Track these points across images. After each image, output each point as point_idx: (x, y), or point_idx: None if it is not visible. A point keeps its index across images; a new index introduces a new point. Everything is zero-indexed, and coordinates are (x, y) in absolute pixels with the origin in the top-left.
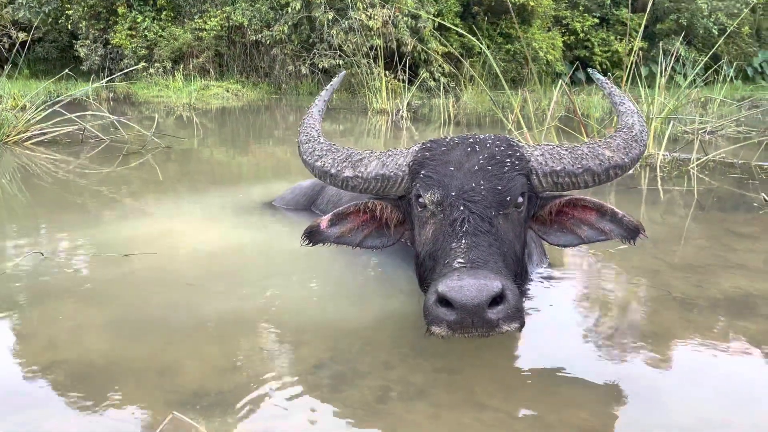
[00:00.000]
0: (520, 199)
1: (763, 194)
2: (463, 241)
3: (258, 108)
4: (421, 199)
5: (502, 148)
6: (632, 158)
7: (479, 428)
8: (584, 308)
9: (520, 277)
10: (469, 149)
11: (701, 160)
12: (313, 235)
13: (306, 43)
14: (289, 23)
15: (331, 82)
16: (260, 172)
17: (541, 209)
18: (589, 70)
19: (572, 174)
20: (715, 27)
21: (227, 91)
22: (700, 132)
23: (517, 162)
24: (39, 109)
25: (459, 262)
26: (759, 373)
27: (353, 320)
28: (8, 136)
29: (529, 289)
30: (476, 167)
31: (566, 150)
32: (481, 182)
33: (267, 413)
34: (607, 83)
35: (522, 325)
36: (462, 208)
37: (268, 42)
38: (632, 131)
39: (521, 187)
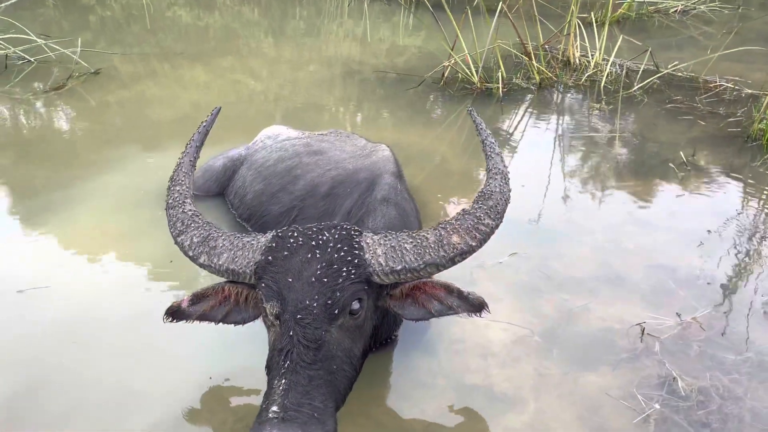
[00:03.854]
0: (356, 306)
1: (681, 155)
2: (283, 381)
3: None
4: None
5: (343, 252)
6: (481, 239)
7: None
8: None
9: (360, 367)
10: (308, 255)
11: (647, 81)
12: (175, 314)
13: None
14: None
15: (203, 122)
16: (194, 119)
17: (394, 288)
18: (469, 109)
19: (414, 270)
20: None
21: None
22: (673, 11)
23: (353, 270)
24: None
25: (273, 411)
26: None
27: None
28: None
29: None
30: (313, 278)
31: (411, 243)
32: (315, 297)
33: None
34: (483, 129)
35: None
36: (291, 333)
37: None
38: (488, 202)
39: (355, 294)
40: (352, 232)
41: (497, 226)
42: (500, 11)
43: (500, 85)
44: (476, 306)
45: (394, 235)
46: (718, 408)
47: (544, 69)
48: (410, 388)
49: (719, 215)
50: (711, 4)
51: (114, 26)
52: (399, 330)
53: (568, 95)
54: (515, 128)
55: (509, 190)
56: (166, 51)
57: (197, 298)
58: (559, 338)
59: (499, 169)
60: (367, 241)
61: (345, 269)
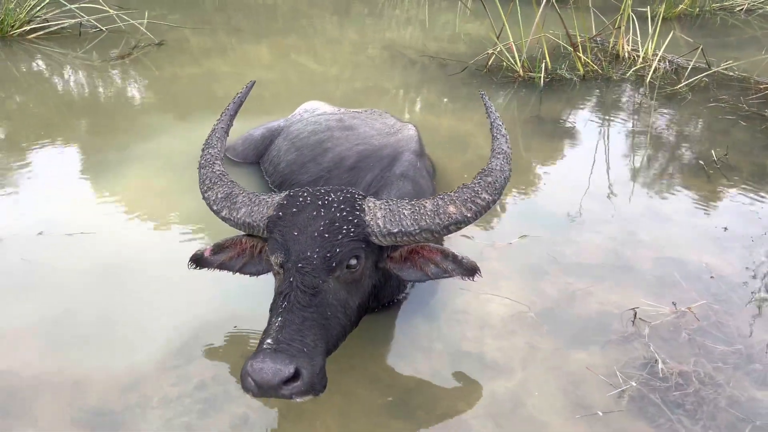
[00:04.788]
0: (354, 261)
1: (714, 154)
2: (279, 318)
3: None
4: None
5: (345, 212)
6: (477, 211)
7: None
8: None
9: (356, 319)
10: (314, 213)
11: (694, 79)
12: (198, 262)
13: None
14: None
15: (238, 93)
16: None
17: (393, 251)
18: (481, 93)
19: (410, 234)
20: None
21: None
22: (739, 9)
23: (353, 228)
24: None
25: (268, 343)
26: None
27: (243, 337)
28: (12, 27)
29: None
30: (316, 233)
31: (409, 210)
32: (317, 249)
33: None
34: (492, 112)
35: (318, 393)
36: (291, 279)
37: None
38: (487, 178)
39: (353, 251)
40: (356, 196)
41: (494, 201)
42: (547, 1)
43: (542, 75)
44: (469, 270)
45: (395, 202)
46: (695, 391)
47: (589, 61)
48: (409, 349)
49: (740, 215)
50: None
51: (189, 1)
52: (402, 294)
53: (612, 88)
54: (552, 117)
55: (509, 170)
56: (234, 27)
57: (218, 248)
58: (556, 317)
59: (503, 149)
60: (369, 204)
61: (345, 227)
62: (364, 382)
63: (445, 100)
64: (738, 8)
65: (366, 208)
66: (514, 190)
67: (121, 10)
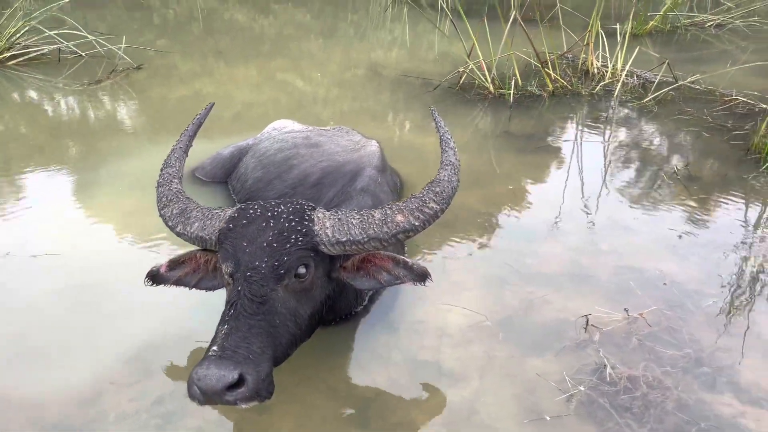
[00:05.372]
0: (303, 270)
1: (675, 165)
2: (226, 326)
3: None
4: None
5: (294, 223)
6: (425, 220)
7: None
8: None
9: (308, 329)
10: (264, 224)
11: (660, 93)
12: (155, 278)
13: None
14: None
15: (197, 115)
16: (245, 117)
17: (346, 261)
18: (431, 108)
19: (358, 242)
20: None
21: None
22: (710, 25)
23: (301, 238)
24: (20, 24)
25: (213, 351)
26: None
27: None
28: None
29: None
30: (264, 243)
31: (358, 219)
32: (265, 259)
33: None
34: (441, 126)
35: (263, 399)
36: (239, 288)
37: None
38: (436, 188)
39: (301, 260)
40: (305, 207)
41: (442, 210)
42: (514, 20)
43: (512, 91)
44: (421, 275)
45: (344, 212)
46: (643, 395)
47: (558, 77)
48: (367, 360)
49: (699, 223)
50: (749, 20)
51: (175, 26)
52: (360, 306)
53: (580, 104)
54: (521, 132)
55: (457, 180)
56: (220, 51)
57: (174, 264)
58: (514, 325)
59: (451, 161)
60: (318, 215)
61: (294, 236)
62: (321, 393)
63: (419, 117)
64: (709, 24)
65: (315, 219)
66: (481, 202)
67: (102, 36)
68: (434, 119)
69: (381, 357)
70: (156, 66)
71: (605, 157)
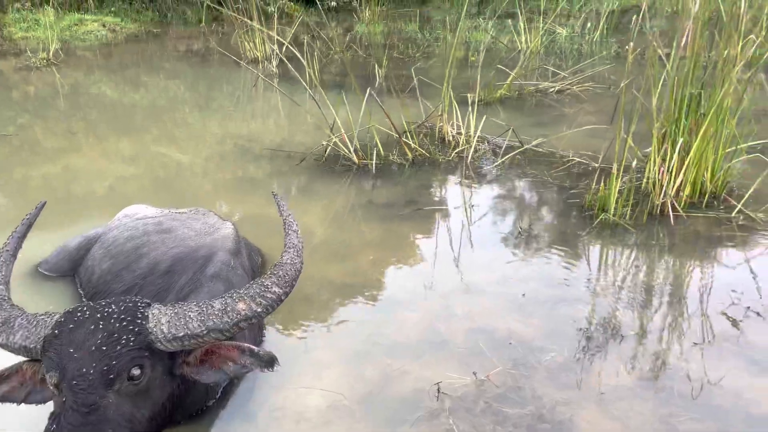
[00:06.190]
0: (137, 371)
1: (520, 225)
2: None
3: (137, 52)
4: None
5: (125, 323)
6: (267, 305)
7: None
8: None
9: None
10: (93, 327)
11: (507, 157)
12: None
13: None
14: None
15: (27, 215)
16: (121, 192)
17: (188, 355)
18: (273, 192)
19: (197, 336)
20: None
21: (103, 26)
22: (552, 90)
23: (133, 338)
24: None
25: None
26: None
27: None
28: None
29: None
30: (93, 347)
31: (196, 311)
32: (93, 364)
33: None
34: (284, 209)
35: None
36: (65, 399)
37: None
38: (278, 272)
39: (134, 361)
40: (139, 304)
41: (286, 293)
42: (368, 94)
43: (374, 162)
44: (268, 361)
45: (183, 305)
46: None
47: (417, 146)
48: None
49: (541, 280)
50: (584, 85)
51: (37, 102)
52: (213, 400)
53: (437, 171)
54: (383, 201)
55: (300, 263)
56: (90, 125)
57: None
58: (372, 401)
59: (294, 243)
60: (153, 311)
61: (125, 337)
62: None
63: (283, 191)
64: (551, 90)
65: (150, 315)
66: (343, 275)
67: None
68: (276, 203)
69: None
70: (17, 144)
71: (455, 222)
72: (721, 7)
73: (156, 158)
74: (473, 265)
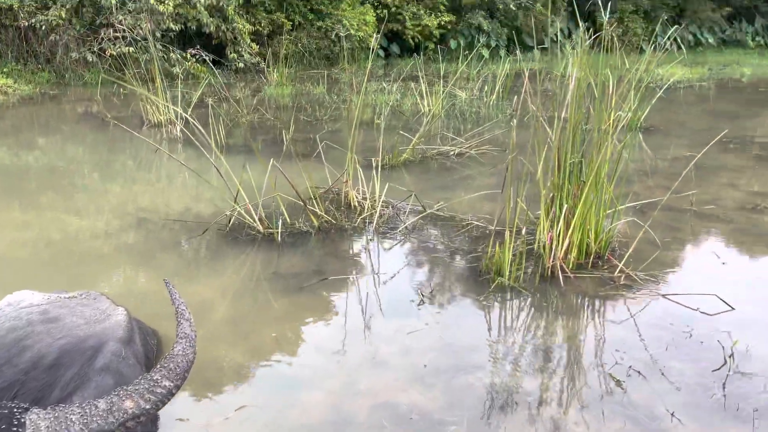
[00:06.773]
0: None
1: (422, 292)
2: None
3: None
4: None
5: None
6: (157, 401)
7: None
8: None
9: None
10: None
11: (410, 222)
12: None
13: (92, 26)
14: (68, 6)
15: None
16: (12, 259)
17: None
18: (164, 280)
19: None
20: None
21: None
22: (452, 154)
23: None
24: None
25: None
26: None
27: None
28: None
29: None
30: None
31: (79, 414)
32: None
33: None
34: (177, 297)
35: None
36: None
37: (43, 27)
38: (169, 364)
39: None
40: (15, 410)
41: (177, 387)
42: (271, 164)
43: (279, 230)
44: None
45: (64, 407)
46: None
47: (323, 213)
48: None
49: (441, 349)
50: (482, 148)
51: None
52: None
53: (344, 237)
54: (289, 272)
55: (193, 353)
56: None
57: None
58: None
59: (186, 333)
60: (31, 416)
61: None
62: None
63: (184, 264)
64: (451, 153)
65: (27, 422)
66: (243, 354)
67: None
68: (168, 290)
69: None
70: None
71: (365, 292)
72: (593, 84)
73: (51, 223)
74: (378, 337)
